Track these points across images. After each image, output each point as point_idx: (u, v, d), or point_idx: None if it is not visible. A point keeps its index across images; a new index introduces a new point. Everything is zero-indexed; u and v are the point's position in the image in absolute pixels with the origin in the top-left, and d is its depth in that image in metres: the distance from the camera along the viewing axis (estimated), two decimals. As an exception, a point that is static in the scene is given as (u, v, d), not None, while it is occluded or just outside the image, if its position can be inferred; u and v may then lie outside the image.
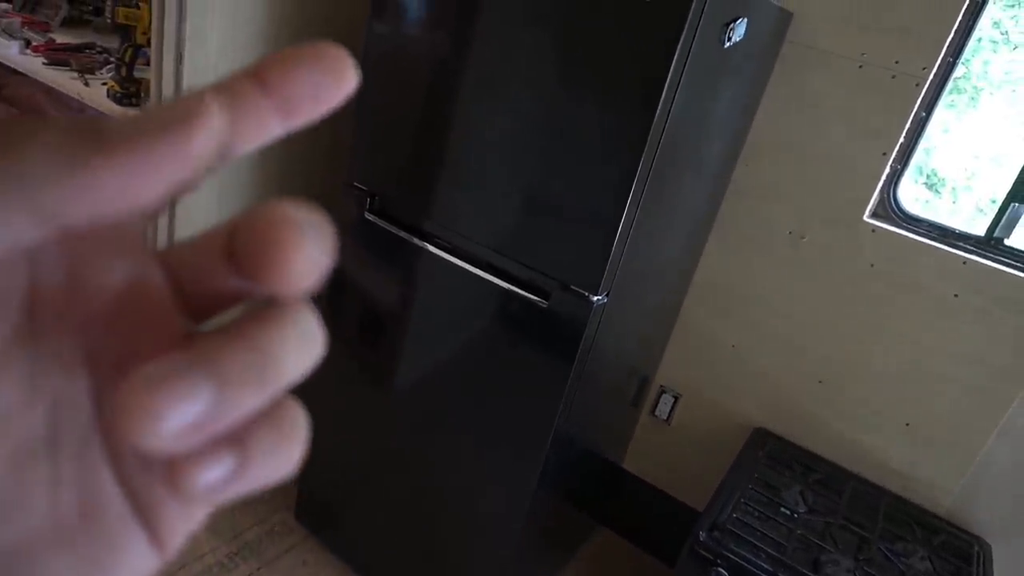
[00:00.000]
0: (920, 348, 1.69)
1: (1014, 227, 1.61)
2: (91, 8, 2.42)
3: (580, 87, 1.24)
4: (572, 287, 1.31)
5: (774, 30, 1.63)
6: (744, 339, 1.92)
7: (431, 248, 1.45)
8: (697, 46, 1.17)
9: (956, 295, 1.63)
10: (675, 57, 1.12)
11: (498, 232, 1.39)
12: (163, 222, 1.62)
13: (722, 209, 1.86)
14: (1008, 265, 1.59)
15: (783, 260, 1.81)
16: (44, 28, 2.16)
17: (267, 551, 1.89)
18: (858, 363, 1.77)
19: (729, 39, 1.28)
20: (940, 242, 1.65)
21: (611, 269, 1.29)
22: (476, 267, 1.40)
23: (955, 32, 1.53)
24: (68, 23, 2.34)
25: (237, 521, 1.96)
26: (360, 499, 1.80)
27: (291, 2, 1.64)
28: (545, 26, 1.26)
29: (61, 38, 2.11)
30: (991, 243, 1.63)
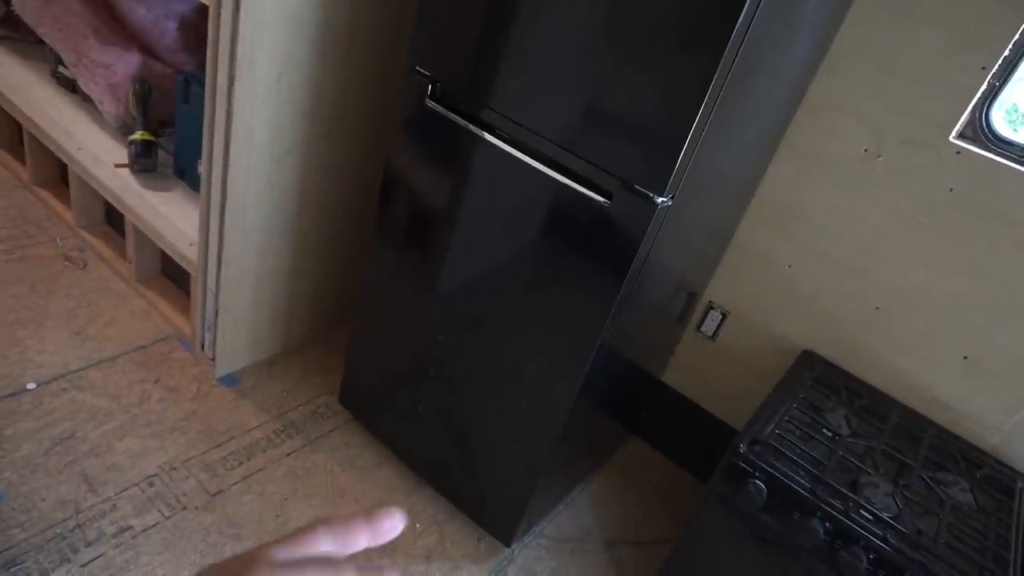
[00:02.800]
0: (990, 280, 1.61)
1: (1116, 157, 1.49)
2: None
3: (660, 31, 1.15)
4: (637, 187, 1.26)
5: (878, -78, 1.49)
6: (801, 260, 1.86)
7: (492, 139, 1.41)
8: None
9: (1039, 226, 1.54)
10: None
11: (563, 127, 1.34)
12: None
13: (795, 121, 1.77)
14: (1102, 198, 1.49)
15: (854, 180, 1.72)
16: None
17: (312, 430, 1.97)
18: (921, 292, 1.70)
19: (834, -77, 1.17)
20: (1029, 168, 1.55)
21: (678, 172, 1.23)
22: (538, 162, 1.36)
23: (1086, -68, 1.38)
24: None
25: (284, 401, 2.03)
26: (403, 391, 1.84)
27: None
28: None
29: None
30: (1087, 173, 1.52)
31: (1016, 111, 2.37)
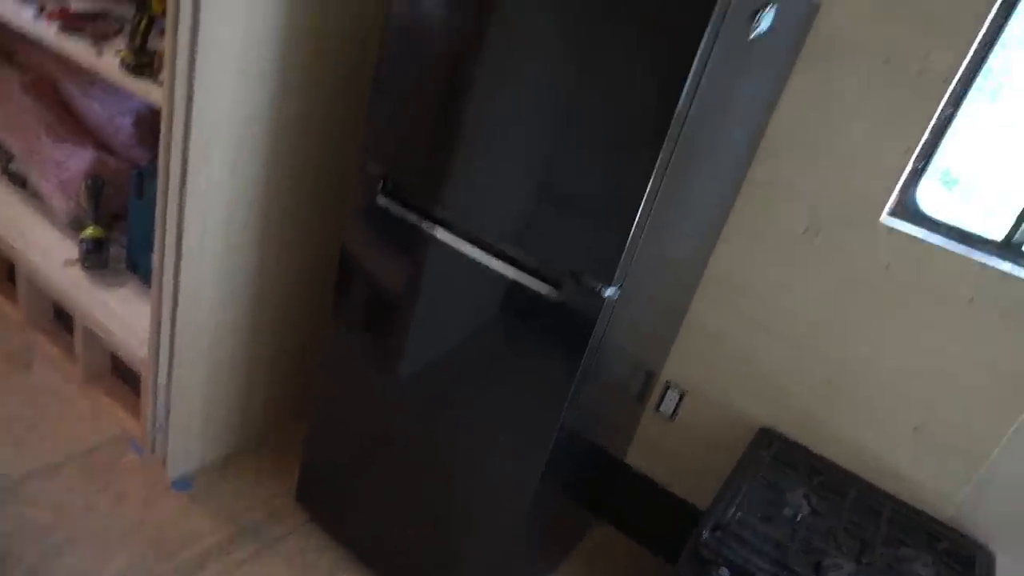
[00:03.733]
0: (933, 352, 1.66)
1: (1035, 232, 1.58)
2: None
3: (601, 75, 1.22)
4: (584, 279, 1.29)
5: (801, 20, 1.60)
6: (753, 337, 1.90)
7: (442, 233, 1.43)
8: (723, 36, 1.14)
9: (971, 300, 1.60)
10: (700, 47, 1.09)
11: (511, 220, 1.37)
12: (173, 199, 1.60)
13: (737, 204, 1.84)
14: (1026, 270, 1.57)
15: (796, 258, 1.79)
16: (58, -4, 2.14)
17: (267, 534, 1.89)
18: (869, 365, 1.74)
19: (756, 28, 1.25)
20: (958, 245, 1.63)
21: (625, 262, 1.26)
22: (488, 254, 1.38)
23: (988, 25, 1.49)
24: (82, -8, 2.31)
25: (238, 503, 1.96)
26: (362, 484, 1.79)
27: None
28: (566, 11, 1.23)
29: (78, 4, 2.08)
30: (1010, 248, 1.60)
31: (949, 175, 2.49)
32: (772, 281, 1.84)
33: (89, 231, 2.10)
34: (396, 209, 1.49)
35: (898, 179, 1.64)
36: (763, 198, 1.80)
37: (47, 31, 1.83)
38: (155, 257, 1.71)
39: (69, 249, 2.19)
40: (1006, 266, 1.58)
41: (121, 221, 2.25)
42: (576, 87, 1.25)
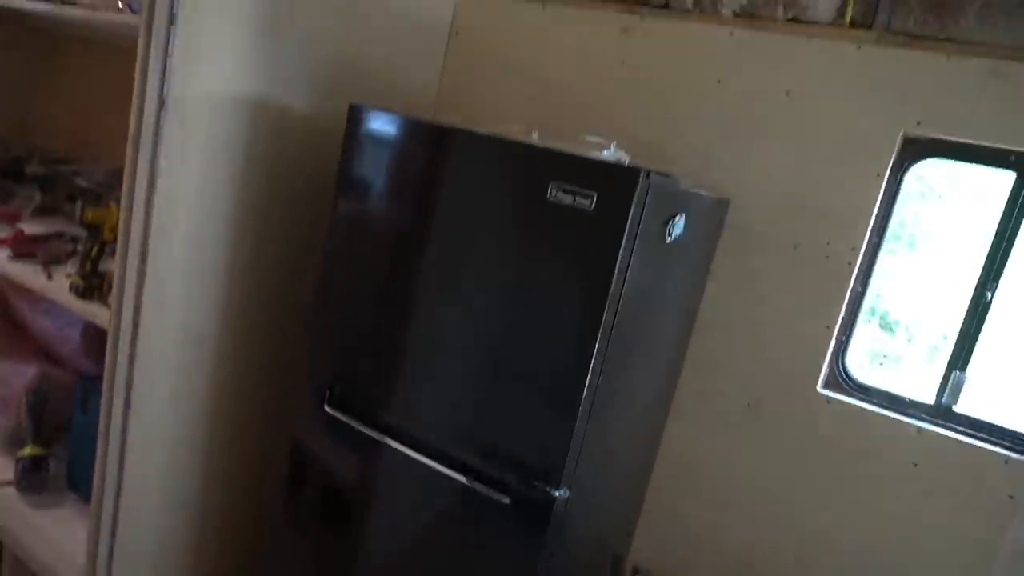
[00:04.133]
0: (891, 519, 1.67)
1: (959, 394, 1.66)
2: (65, 196, 2.50)
3: (535, 282, 1.30)
4: (534, 483, 1.29)
5: (714, 217, 1.75)
6: (714, 515, 1.88)
7: (390, 441, 1.44)
8: (640, 245, 1.24)
9: (915, 464, 1.64)
10: (618, 260, 1.19)
11: (457, 424, 1.39)
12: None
13: (681, 383, 1.89)
14: (960, 432, 1.62)
15: (744, 433, 1.82)
16: (14, 218, 2.21)
17: None
18: (832, 537, 1.73)
19: (670, 235, 1.37)
20: (892, 411, 1.69)
21: (571, 460, 1.28)
22: (436, 461, 1.38)
23: (875, 217, 1.66)
24: (41, 212, 2.40)
25: None
26: None
27: (257, 193, 1.71)
28: (499, 227, 1.33)
29: (32, 227, 2.15)
30: (941, 411, 1.67)
31: (887, 317, 2.60)
32: (724, 457, 1.85)
33: (27, 450, 2.03)
34: (343, 417, 1.50)
35: (825, 352, 1.73)
36: (705, 376, 1.86)
37: (-1, 257, 1.88)
38: (95, 478, 1.66)
39: (6, 468, 2.10)
40: (941, 430, 1.63)
41: (66, 434, 2.18)
42: (512, 294, 1.32)
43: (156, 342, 1.57)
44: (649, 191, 1.21)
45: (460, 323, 1.39)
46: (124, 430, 1.58)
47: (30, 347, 2.28)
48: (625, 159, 1.46)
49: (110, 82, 1.75)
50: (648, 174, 1.19)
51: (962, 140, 1.59)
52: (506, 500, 1.30)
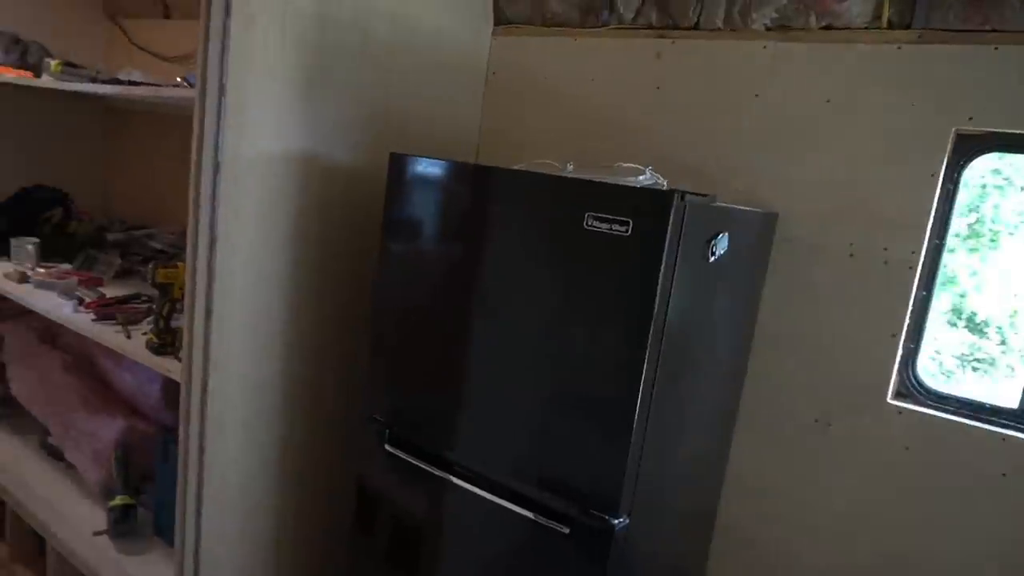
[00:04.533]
0: (979, 536, 1.57)
1: (1046, 399, 1.56)
2: (141, 259, 2.67)
3: (580, 311, 1.31)
4: (593, 511, 1.28)
5: (762, 232, 1.72)
6: (788, 538, 1.81)
7: (451, 477, 1.46)
8: (682, 266, 1.24)
9: (1004, 475, 1.55)
10: (659, 283, 1.19)
11: (515, 457, 1.40)
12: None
13: (743, 401, 1.85)
14: (1050, 439, 1.52)
15: (813, 450, 1.76)
16: (97, 283, 2.38)
17: None
18: (916, 558, 1.64)
19: (713, 254, 1.36)
20: (974, 419, 1.60)
21: (628, 487, 1.27)
22: (496, 494, 1.39)
23: (934, 218, 1.60)
24: (121, 275, 2.57)
25: None
26: None
27: (311, 243, 1.79)
28: (541, 259, 1.35)
29: (113, 291, 2.31)
30: (1026, 417, 1.58)
31: (975, 318, 2.47)
32: (794, 477, 1.79)
33: (117, 500, 2.14)
34: (403, 456, 1.53)
35: (893, 362, 1.66)
36: (769, 393, 1.81)
37: (84, 321, 2.02)
38: (176, 525, 1.74)
39: (100, 518, 2.23)
40: (1027, 436, 1.54)
41: (151, 483, 2.30)
42: (560, 324, 1.33)
43: (224, 392, 1.65)
44: (685, 213, 1.20)
45: (510, 356, 1.41)
46: (200, 477, 1.66)
47: (117, 402, 2.43)
48: (662, 182, 1.47)
49: (178, 150, 1.88)
50: (683, 196, 1.19)
51: (1020, 131, 1.52)
52: (566, 530, 1.30)
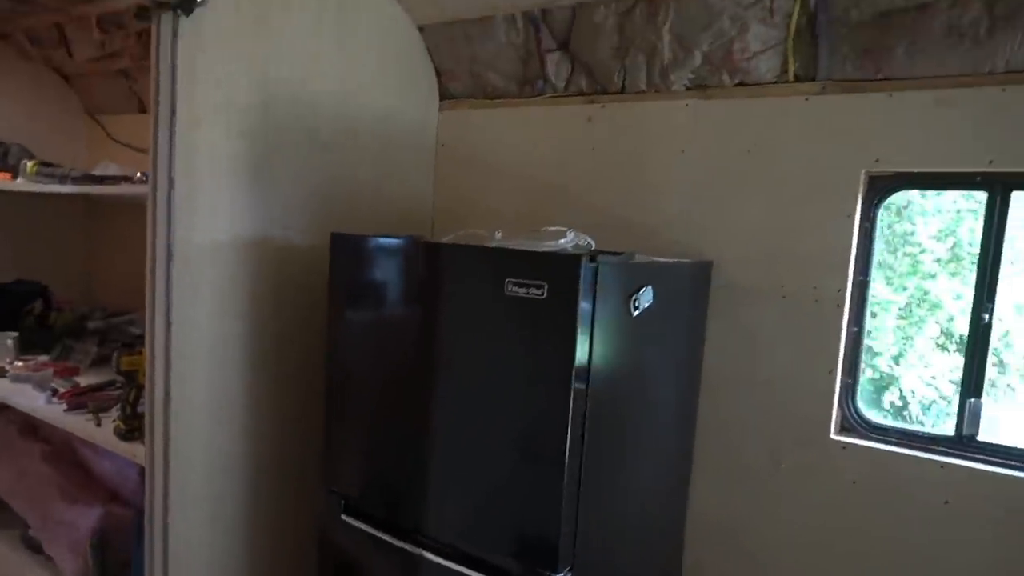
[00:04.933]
0: (933, 563, 1.59)
1: (978, 422, 1.60)
2: (119, 345, 2.74)
3: (510, 373, 1.37)
4: (537, 568, 1.32)
5: (698, 279, 1.79)
6: (755, 572, 1.82)
7: (403, 544, 1.50)
8: (601, 322, 1.30)
9: (947, 501, 1.58)
10: (576, 340, 1.25)
11: (463, 519, 1.44)
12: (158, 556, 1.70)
13: (698, 444, 1.89)
14: (986, 462, 1.56)
15: (768, 489, 1.79)
16: (74, 372, 2.44)
17: None
18: (876, 589, 1.66)
19: (636, 307, 1.43)
20: (913, 448, 1.64)
21: (567, 540, 1.30)
22: (447, 558, 1.43)
23: (855, 256, 1.67)
24: (98, 362, 2.64)
25: None
26: None
27: (268, 320, 1.86)
28: (475, 323, 1.42)
29: (89, 379, 2.37)
30: (964, 442, 1.61)
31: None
32: (753, 515, 1.82)
33: (94, 589, 2.16)
34: (358, 524, 1.57)
35: (832, 397, 1.71)
36: (721, 433, 1.85)
37: (56, 412, 2.08)
38: (147, 610, 1.76)
39: (79, 608, 2.23)
40: (966, 462, 1.58)
41: (130, 569, 2.32)
42: (494, 385, 1.39)
43: (187, 472, 1.70)
44: (597, 272, 1.28)
45: (452, 420, 1.46)
46: (165, 557, 1.69)
47: (96, 489, 2.46)
48: (586, 242, 1.55)
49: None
50: (593, 257, 1.27)
51: (923, 170, 1.61)
52: (511, 587, 1.33)
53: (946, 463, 1.59)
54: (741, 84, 1.80)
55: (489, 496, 1.40)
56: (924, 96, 1.57)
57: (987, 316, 1.59)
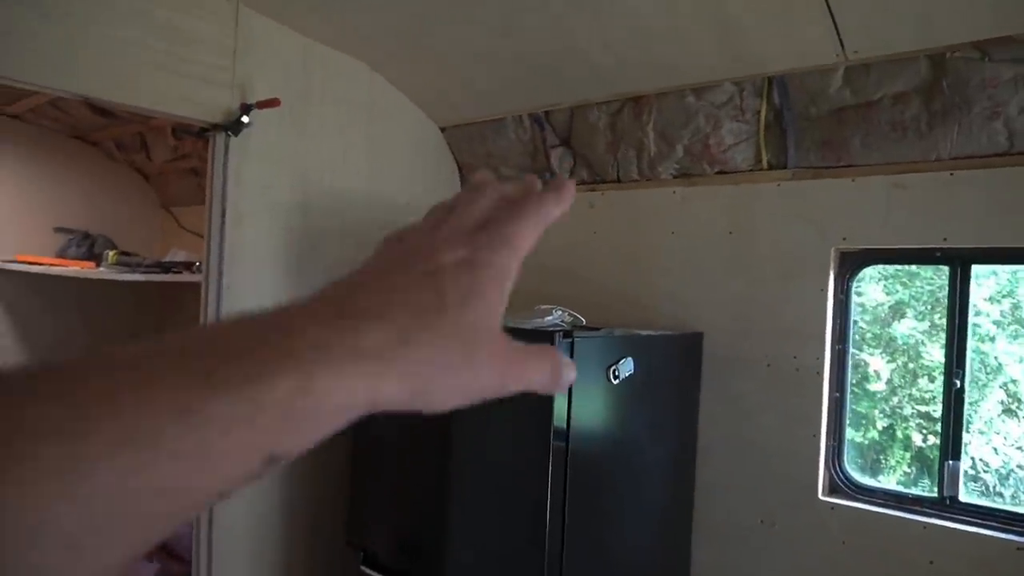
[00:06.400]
0: (921, 625, 1.64)
1: (958, 482, 1.67)
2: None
3: (500, 441, 1.55)
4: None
5: (689, 350, 1.95)
6: (756, 638, 1.89)
7: (411, 591, 1.66)
8: (580, 391, 1.47)
9: (931, 562, 1.64)
10: (553, 409, 1.43)
11: (465, 573, 1.59)
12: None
13: (698, 507, 1.99)
14: (967, 523, 1.62)
15: (763, 548, 1.87)
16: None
17: None
18: (868, 650, 1.71)
19: (616, 376, 1.59)
20: (897, 509, 1.71)
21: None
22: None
23: (832, 327, 1.80)
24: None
25: None
26: None
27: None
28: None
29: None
30: (946, 503, 1.68)
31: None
32: (752, 574, 1.90)
33: (150, 639, 2.37)
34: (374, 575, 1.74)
35: (818, 460, 1.81)
36: (716, 497, 1.96)
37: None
38: (191, 655, 1.95)
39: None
40: (948, 523, 1.64)
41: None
42: (488, 452, 1.57)
43: (231, 524, 1.91)
44: (573, 346, 1.46)
45: (454, 479, 1.63)
46: (209, 607, 1.89)
47: (155, 547, 2.70)
48: (575, 319, 1.73)
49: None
50: (567, 333, 1.46)
51: (887, 246, 1.75)
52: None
53: (928, 524, 1.65)
54: (721, 172, 1.99)
55: (487, 549, 1.56)
56: (882, 181, 1.72)
57: (958, 381, 1.68)
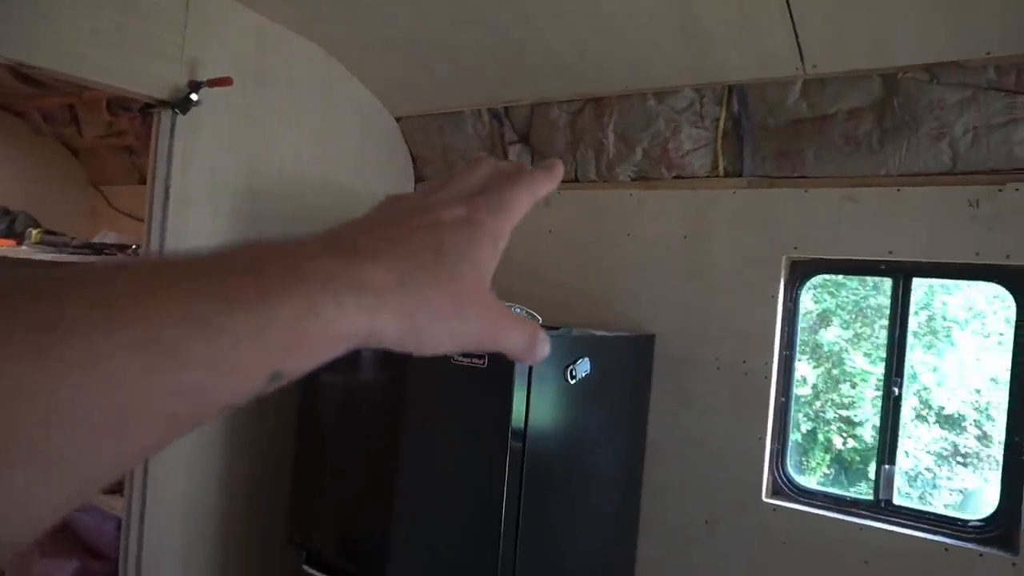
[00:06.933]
0: (855, 623, 1.70)
1: (892, 486, 1.74)
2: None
3: (456, 435, 1.52)
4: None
5: (641, 351, 1.96)
6: (696, 636, 1.92)
7: (355, 591, 1.61)
8: (538, 389, 1.46)
9: (866, 562, 1.70)
10: (512, 406, 1.41)
11: (417, 570, 1.56)
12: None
13: (644, 506, 2.01)
14: (900, 525, 1.69)
15: (708, 548, 1.91)
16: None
17: None
18: (804, 648, 1.76)
19: (573, 377, 1.59)
20: (836, 512, 1.77)
21: (506, 591, 1.43)
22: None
23: (780, 333, 1.85)
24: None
25: None
26: None
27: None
28: (425, 390, 1.58)
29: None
30: (880, 506, 1.75)
31: (942, 412, 2.60)
32: (696, 573, 1.93)
33: (67, 641, 2.23)
34: (318, 574, 1.68)
35: (763, 462, 1.85)
36: (664, 496, 1.98)
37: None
38: (115, 659, 1.85)
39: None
40: (883, 525, 1.71)
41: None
42: (443, 446, 1.54)
43: (162, 523, 1.82)
44: (533, 345, 1.44)
45: (405, 475, 1.60)
46: (136, 609, 1.80)
47: (74, 542, 2.55)
48: (530, 317, 1.72)
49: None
50: (528, 331, 1.44)
51: (836, 257, 1.80)
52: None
53: (864, 526, 1.72)
54: (678, 177, 2.02)
55: (437, 548, 1.53)
56: (833, 193, 1.78)
57: (896, 389, 1.75)
